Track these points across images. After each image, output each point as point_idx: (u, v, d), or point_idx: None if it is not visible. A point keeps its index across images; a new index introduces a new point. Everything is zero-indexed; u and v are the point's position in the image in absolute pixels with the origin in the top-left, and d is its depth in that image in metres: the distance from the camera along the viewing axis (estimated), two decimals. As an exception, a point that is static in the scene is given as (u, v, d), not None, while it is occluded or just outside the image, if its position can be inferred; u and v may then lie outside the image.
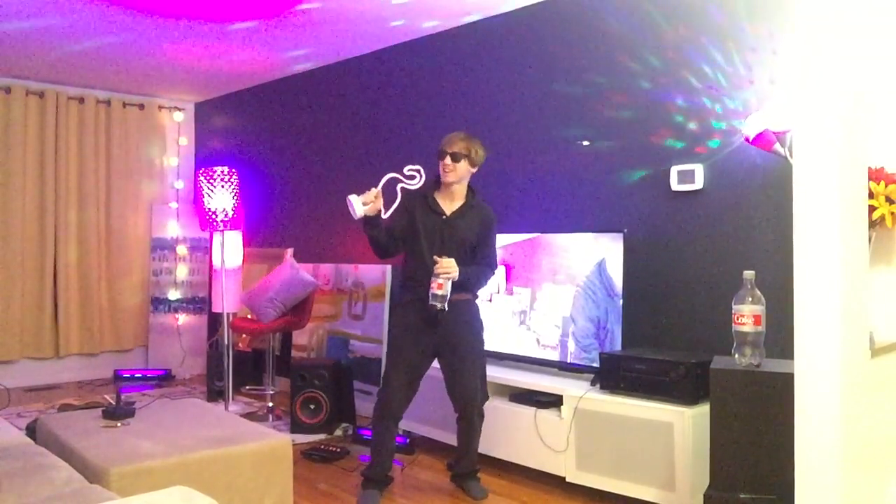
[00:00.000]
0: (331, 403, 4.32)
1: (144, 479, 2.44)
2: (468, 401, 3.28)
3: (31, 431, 3.20)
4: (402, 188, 3.32)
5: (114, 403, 3.12)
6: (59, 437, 2.81)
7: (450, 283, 3.10)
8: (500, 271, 3.94)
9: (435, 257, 3.12)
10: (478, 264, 3.29)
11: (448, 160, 3.19)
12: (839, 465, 2.17)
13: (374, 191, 3.12)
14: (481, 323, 3.36)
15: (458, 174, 3.21)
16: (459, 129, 4.48)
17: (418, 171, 3.13)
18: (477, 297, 3.36)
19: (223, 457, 2.68)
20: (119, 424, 2.96)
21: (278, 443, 2.86)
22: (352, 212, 3.09)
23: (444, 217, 3.24)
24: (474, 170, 3.27)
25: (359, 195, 3.10)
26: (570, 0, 3.92)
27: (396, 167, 5.10)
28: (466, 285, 3.24)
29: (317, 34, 4.71)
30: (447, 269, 3.10)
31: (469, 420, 3.32)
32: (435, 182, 3.31)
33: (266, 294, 4.85)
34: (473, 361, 3.29)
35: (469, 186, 3.32)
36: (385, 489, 3.31)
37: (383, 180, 3.10)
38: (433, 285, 3.08)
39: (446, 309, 3.11)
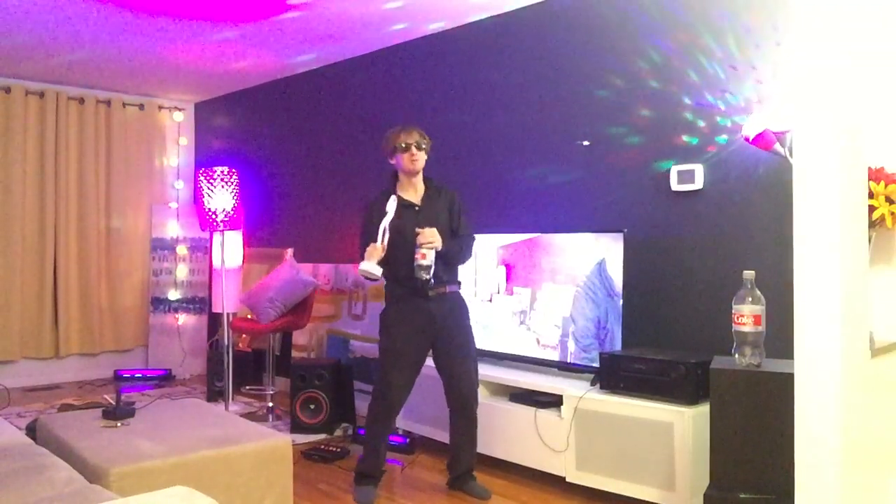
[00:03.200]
0: (331, 403, 4.32)
1: (144, 479, 2.44)
2: (469, 397, 3.32)
3: (31, 431, 3.19)
4: (371, 202, 3.34)
5: (114, 403, 3.12)
6: (59, 437, 2.81)
7: (433, 252, 3.13)
8: (501, 271, 3.95)
9: (417, 229, 3.15)
10: (458, 236, 3.34)
11: (415, 150, 3.24)
12: (839, 465, 2.17)
13: (379, 247, 3.13)
14: (469, 314, 3.40)
15: (422, 162, 3.28)
16: (458, 129, 4.52)
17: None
18: (460, 284, 3.38)
19: (223, 457, 2.68)
20: (119, 424, 2.96)
21: (278, 443, 2.86)
22: (373, 276, 3.12)
23: (418, 207, 3.28)
24: (426, 157, 3.32)
25: (365, 260, 3.12)
26: (572, 3, 3.92)
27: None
28: (453, 258, 3.29)
29: (317, 35, 4.71)
30: (430, 238, 3.13)
31: (470, 415, 3.35)
32: (392, 182, 3.34)
33: (266, 294, 4.85)
34: (468, 357, 3.34)
35: (423, 175, 3.36)
36: (379, 483, 3.33)
37: (382, 228, 3.12)
38: (417, 256, 3.11)
39: (432, 280, 3.15)
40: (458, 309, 3.34)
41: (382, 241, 3.14)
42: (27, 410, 4.94)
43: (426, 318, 3.24)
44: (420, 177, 3.33)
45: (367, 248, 3.15)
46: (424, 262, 3.11)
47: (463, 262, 3.39)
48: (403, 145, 3.24)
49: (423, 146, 3.27)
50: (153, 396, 4.05)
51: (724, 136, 3.34)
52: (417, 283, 3.17)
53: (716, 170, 3.37)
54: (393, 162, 3.32)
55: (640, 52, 3.63)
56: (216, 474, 2.63)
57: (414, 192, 3.32)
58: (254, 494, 2.73)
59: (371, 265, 3.11)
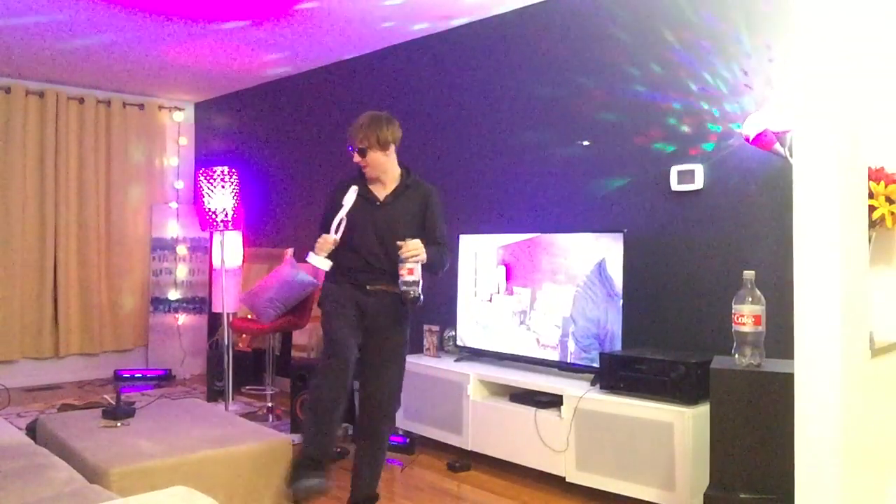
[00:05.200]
0: (331, 403, 4.31)
1: (144, 479, 2.45)
2: (382, 405, 2.97)
3: (31, 431, 3.20)
4: (340, 182, 3.09)
5: (114, 403, 3.13)
6: (59, 437, 2.82)
7: (419, 266, 2.82)
8: (501, 271, 3.95)
9: (399, 242, 2.82)
10: (432, 244, 2.95)
11: (357, 157, 2.95)
12: (839, 465, 2.17)
13: (331, 239, 2.86)
14: (407, 320, 3.03)
15: (376, 166, 2.95)
16: (459, 129, 4.52)
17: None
18: (415, 285, 2.90)
19: (223, 457, 2.68)
20: (119, 424, 2.96)
21: (278, 443, 2.86)
22: (322, 267, 2.87)
23: (378, 203, 2.97)
24: (389, 151, 2.96)
25: (314, 252, 2.86)
26: (571, 2, 3.92)
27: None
28: (430, 269, 2.92)
29: (316, 35, 4.71)
30: (415, 251, 2.80)
31: (375, 435, 2.99)
32: (360, 170, 3.03)
33: (266, 294, 4.85)
34: (396, 366, 3.00)
35: (403, 166, 3.04)
36: (326, 473, 2.88)
37: (337, 220, 2.88)
38: (402, 272, 2.79)
39: (421, 297, 2.83)
40: (397, 311, 2.95)
41: (336, 233, 2.86)
42: (27, 410, 4.94)
43: (359, 310, 2.94)
44: (390, 171, 2.99)
45: (319, 240, 2.86)
46: (411, 278, 2.79)
47: (438, 272, 3.01)
48: (351, 147, 2.97)
49: (367, 150, 2.91)
50: (153, 396, 4.05)
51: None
52: (359, 280, 2.92)
53: (716, 170, 3.37)
54: None
55: (639, 55, 3.63)
56: (216, 474, 2.63)
57: (381, 185, 2.99)
58: (254, 494, 2.73)
59: (319, 259, 2.84)
